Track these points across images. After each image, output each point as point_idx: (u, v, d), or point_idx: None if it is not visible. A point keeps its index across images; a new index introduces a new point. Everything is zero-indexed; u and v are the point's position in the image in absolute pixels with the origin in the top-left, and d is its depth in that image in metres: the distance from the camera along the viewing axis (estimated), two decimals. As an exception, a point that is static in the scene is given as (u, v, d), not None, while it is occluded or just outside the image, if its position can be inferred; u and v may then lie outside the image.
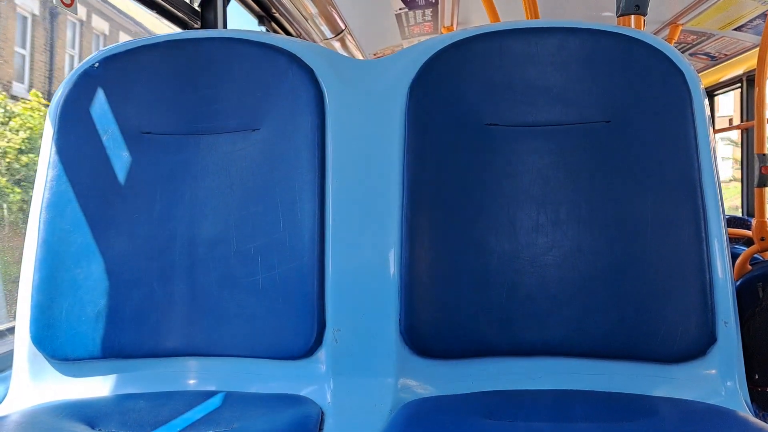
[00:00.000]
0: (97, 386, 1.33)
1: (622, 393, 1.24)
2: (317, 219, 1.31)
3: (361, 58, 4.14)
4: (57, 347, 1.31)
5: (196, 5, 2.38)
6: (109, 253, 1.33)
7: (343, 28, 3.61)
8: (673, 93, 1.31)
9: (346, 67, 1.42)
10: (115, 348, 1.31)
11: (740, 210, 4.72)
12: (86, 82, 1.40)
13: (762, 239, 2.77)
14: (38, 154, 1.40)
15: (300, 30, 3.47)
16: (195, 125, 1.39)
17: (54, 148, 1.36)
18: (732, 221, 3.99)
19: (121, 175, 1.36)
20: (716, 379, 1.23)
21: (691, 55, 4.20)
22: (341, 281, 1.30)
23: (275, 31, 3.25)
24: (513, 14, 2.52)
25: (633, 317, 1.25)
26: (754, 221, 2.85)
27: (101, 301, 1.32)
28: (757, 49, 2.97)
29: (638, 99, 1.32)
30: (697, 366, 1.24)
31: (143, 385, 1.33)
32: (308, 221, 1.31)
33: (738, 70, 4.46)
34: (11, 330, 1.37)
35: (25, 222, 1.37)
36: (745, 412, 1.17)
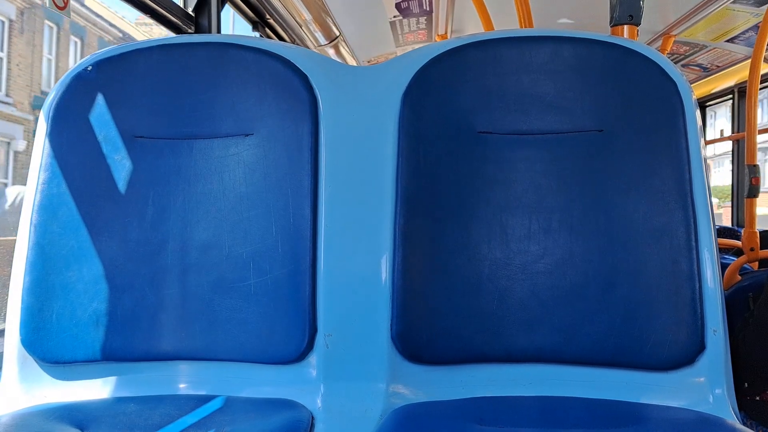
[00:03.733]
0: (88, 389, 1.32)
1: (612, 400, 1.25)
2: (310, 224, 1.31)
3: (355, 65, 4.15)
4: (47, 350, 1.30)
5: (189, 10, 2.38)
6: (101, 257, 1.33)
7: (338, 34, 3.62)
8: (666, 103, 1.32)
9: (341, 73, 1.43)
10: (107, 351, 1.31)
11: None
12: (79, 85, 1.39)
13: (752, 249, 2.79)
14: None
15: (294, 36, 3.48)
16: (188, 130, 1.39)
17: (46, 150, 1.36)
18: (722, 232, 4.02)
19: (113, 179, 1.36)
20: (705, 387, 1.23)
21: (683, 66, 4.23)
22: (333, 286, 1.30)
23: (269, 37, 3.26)
24: (507, 23, 2.54)
25: (623, 325, 1.25)
26: (743, 231, 2.86)
27: (93, 305, 1.31)
28: (749, 60, 2.99)
29: (631, 108, 1.33)
30: (685, 374, 1.24)
31: (134, 389, 1.32)
32: (301, 227, 1.31)
33: (730, 82, 4.49)
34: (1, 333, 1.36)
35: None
36: (733, 419, 1.18)
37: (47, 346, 1.30)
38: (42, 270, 1.31)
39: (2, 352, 1.34)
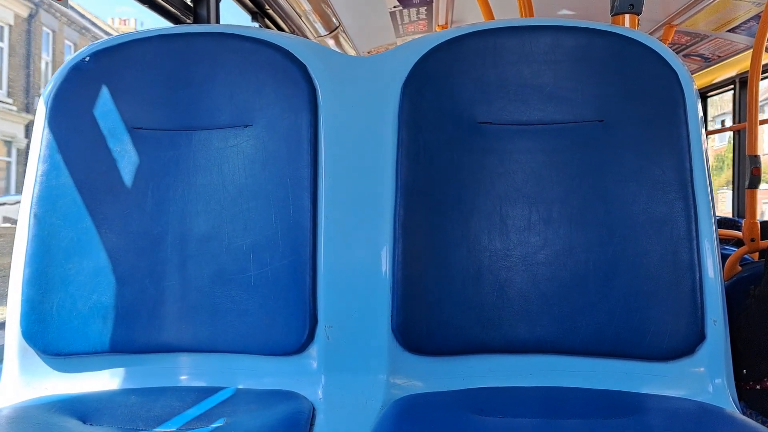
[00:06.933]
0: (89, 382, 1.32)
1: (611, 390, 1.25)
2: (310, 216, 1.31)
3: (354, 55, 4.13)
4: (48, 342, 1.30)
5: (188, 0, 2.37)
6: (100, 249, 1.33)
7: (337, 25, 3.61)
8: (666, 93, 1.31)
9: (340, 63, 1.42)
10: (107, 343, 1.31)
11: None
12: (77, 75, 1.39)
13: (752, 240, 2.79)
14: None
15: (293, 27, 3.47)
16: (187, 121, 1.39)
17: (45, 142, 1.36)
18: (722, 222, 4.02)
19: (112, 171, 1.36)
20: (705, 377, 1.23)
21: (685, 56, 4.22)
22: (333, 278, 1.30)
23: (268, 28, 3.24)
24: (507, 12, 2.53)
25: (623, 315, 1.25)
26: (744, 222, 2.87)
27: (93, 297, 1.31)
28: (751, 50, 2.99)
29: (631, 98, 1.32)
30: (686, 364, 1.24)
31: (136, 381, 1.33)
32: (301, 218, 1.31)
33: (731, 72, 4.48)
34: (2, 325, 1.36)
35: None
36: (733, 409, 1.18)
37: (48, 339, 1.30)
38: (42, 262, 1.31)
39: (3, 345, 1.34)
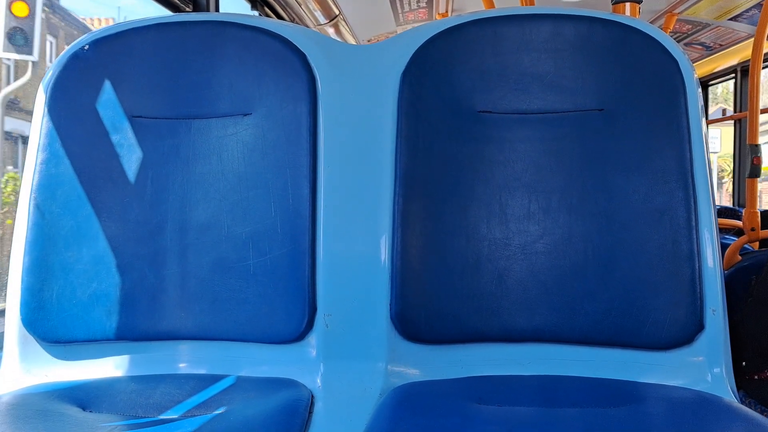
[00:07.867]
0: (89, 369, 1.33)
1: (610, 379, 1.25)
2: (309, 205, 1.31)
3: (354, 44, 4.12)
4: (48, 330, 1.31)
5: (188, -11, 2.36)
6: (100, 237, 1.33)
7: (337, 13, 3.59)
8: (667, 82, 1.31)
9: (339, 52, 1.42)
10: (107, 331, 1.32)
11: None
12: (76, 64, 1.39)
13: (752, 230, 2.78)
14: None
15: (293, 15, 3.46)
16: (186, 109, 1.38)
17: (44, 131, 1.36)
18: (722, 212, 4.01)
19: (111, 159, 1.36)
20: (703, 366, 1.24)
21: (686, 45, 4.20)
22: (332, 267, 1.30)
23: (268, 16, 3.23)
24: (507, 1, 2.51)
25: (622, 305, 1.25)
26: (744, 212, 2.86)
27: (92, 285, 1.32)
28: (752, 39, 2.97)
29: (632, 87, 1.32)
30: (684, 353, 1.25)
31: (135, 368, 1.33)
32: (300, 207, 1.31)
33: (732, 61, 4.46)
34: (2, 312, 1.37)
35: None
36: (731, 398, 1.19)
37: (48, 326, 1.30)
38: (42, 250, 1.31)
39: (3, 332, 1.34)
